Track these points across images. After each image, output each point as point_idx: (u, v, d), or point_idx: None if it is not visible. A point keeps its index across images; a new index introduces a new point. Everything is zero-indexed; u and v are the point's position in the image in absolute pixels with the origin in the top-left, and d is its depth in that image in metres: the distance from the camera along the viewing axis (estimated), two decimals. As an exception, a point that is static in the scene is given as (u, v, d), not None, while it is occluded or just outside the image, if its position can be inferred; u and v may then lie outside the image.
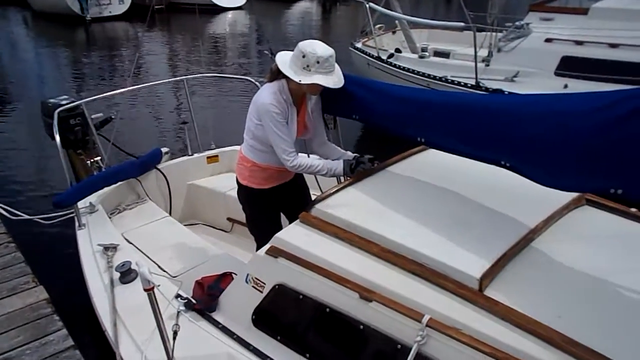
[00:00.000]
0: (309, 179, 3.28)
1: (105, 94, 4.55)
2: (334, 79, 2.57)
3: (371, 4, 8.00)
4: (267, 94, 2.65)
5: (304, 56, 2.52)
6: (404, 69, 7.73)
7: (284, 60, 2.62)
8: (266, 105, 2.62)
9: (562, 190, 2.04)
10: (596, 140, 1.73)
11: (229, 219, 4.38)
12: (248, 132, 2.82)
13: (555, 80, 6.49)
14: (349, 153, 2.89)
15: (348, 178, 2.67)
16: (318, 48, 2.53)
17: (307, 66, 2.53)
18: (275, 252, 2.33)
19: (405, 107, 2.46)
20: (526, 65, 6.77)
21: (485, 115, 2.10)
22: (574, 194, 2.36)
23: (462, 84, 6.78)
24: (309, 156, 2.88)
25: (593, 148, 1.74)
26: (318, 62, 2.51)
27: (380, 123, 2.66)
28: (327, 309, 2.13)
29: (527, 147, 1.95)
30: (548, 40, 6.81)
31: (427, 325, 1.83)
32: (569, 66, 6.52)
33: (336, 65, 2.63)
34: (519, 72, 6.75)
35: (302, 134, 2.85)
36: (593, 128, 1.73)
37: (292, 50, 2.61)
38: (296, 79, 2.54)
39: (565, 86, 6.31)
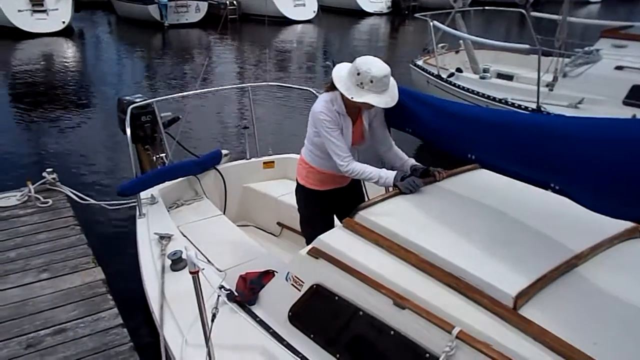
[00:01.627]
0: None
1: (174, 95, 4.84)
2: (386, 99, 2.61)
3: (435, 22, 7.99)
4: (319, 103, 2.77)
5: (358, 74, 2.58)
6: (463, 88, 7.63)
7: (340, 74, 2.69)
8: (316, 113, 2.75)
9: (613, 217, 2.01)
10: None
11: (278, 224, 4.51)
12: (308, 138, 2.97)
13: (622, 109, 6.21)
14: (412, 161, 2.92)
15: (395, 188, 2.73)
16: (373, 67, 2.57)
17: (361, 83, 2.59)
18: (316, 253, 2.41)
19: (458, 124, 2.49)
20: (592, 92, 6.51)
21: (538, 135, 2.09)
22: (628, 225, 2.29)
23: (523, 107, 6.61)
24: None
25: None
26: (372, 82, 2.57)
27: (432, 138, 2.70)
28: (361, 312, 2.18)
29: (579, 170, 1.94)
30: (618, 67, 6.54)
31: (457, 337, 1.84)
32: (638, 96, 6.22)
33: (392, 81, 2.67)
34: (584, 99, 6.50)
35: (359, 143, 2.94)
36: None
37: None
38: (348, 96, 2.62)
39: (634, 116, 6.02)
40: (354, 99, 2.61)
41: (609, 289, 1.97)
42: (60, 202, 4.72)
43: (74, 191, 4.86)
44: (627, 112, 6.10)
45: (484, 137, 2.37)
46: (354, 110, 2.80)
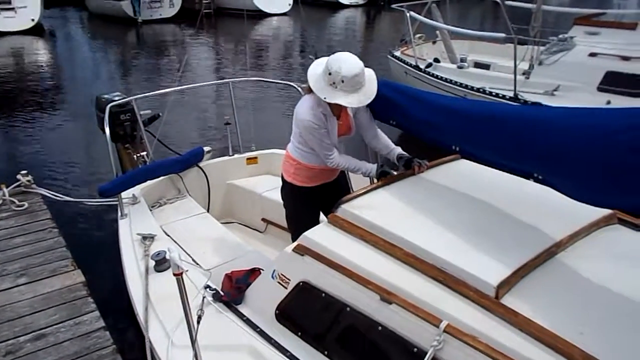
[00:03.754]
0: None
1: (154, 92, 4.77)
2: (360, 97, 2.59)
3: (412, 13, 8.01)
4: (304, 110, 2.73)
5: (330, 74, 2.56)
6: (441, 78, 7.69)
7: (315, 73, 2.66)
8: (304, 122, 2.73)
9: (594, 205, 2.03)
10: (631, 157, 1.71)
11: (263, 220, 4.48)
12: (294, 135, 2.94)
13: (597, 96, 6.32)
14: (398, 149, 2.93)
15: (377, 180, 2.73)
16: (343, 66, 2.53)
17: (333, 83, 2.56)
18: (301, 250, 2.40)
19: (442, 116, 2.49)
20: (568, 79, 6.61)
21: (520, 126, 2.11)
22: (606, 212, 2.32)
23: (500, 95, 6.69)
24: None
25: (628, 164, 1.72)
26: (343, 81, 2.54)
27: (416, 130, 2.70)
28: (348, 309, 2.18)
29: (560, 159, 1.95)
30: (592, 54, 6.64)
31: (444, 331, 1.85)
32: (612, 82, 6.32)
33: (369, 76, 2.65)
34: (559, 86, 6.60)
35: (347, 135, 2.93)
36: (629, 144, 1.72)
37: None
38: (321, 97, 2.60)
39: (608, 102, 6.14)
40: (327, 100, 2.59)
41: (589, 277, 2.00)
42: (37, 204, 4.61)
43: (52, 192, 4.75)
44: (601, 99, 6.22)
45: (467, 128, 2.37)
46: (337, 105, 2.78)
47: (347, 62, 2.56)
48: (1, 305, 3.30)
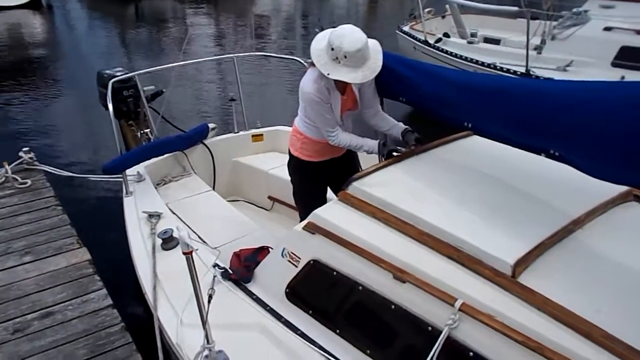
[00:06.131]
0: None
1: (157, 67, 4.65)
2: (364, 73, 2.50)
3: (422, -15, 7.83)
4: (308, 82, 2.66)
5: (332, 49, 2.48)
6: (451, 54, 7.54)
7: (318, 47, 2.57)
8: (307, 94, 2.66)
9: (612, 182, 1.98)
10: None
11: (270, 198, 4.44)
12: (301, 108, 2.87)
13: (611, 71, 6.19)
14: (401, 125, 2.84)
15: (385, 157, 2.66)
16: (345, 42, 2.44)
17: (336, 58, 2.48)
18: (312, 228, 2.35)
19: (455, 91, 2.40)
20: (581, 54, 6.47)
21: (537, 100, 2.04)
22: (622, 189, 2.26)
23: (512, 71, 6.56)
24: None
25: None
26: (345, 57, 2.46)
27: (427, 106, 2.61)
28: (360, 287, 2.14)
29: (578, 134, 1.89)
30: (607, 28, 6.49)
31: (459, 310, 1.81)
32: (627, 57, 6.19)
33: (374, 50, 2.55)
34: (572, 62, 6.47)
35: (353, 109, 2.85)
36: None
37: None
38: (325, 72, 2.52)
39: (622, 78, 6.00)
40: (330, 76, 2.51)
41: (606, 254, 1.96)
42: (40, 182, 4.56)
43: (55, 169, 4.70)
44: (616, 74, 6.09)
45: (482, 104, 2.29)
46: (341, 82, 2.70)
47: (349, 36, 2.46)
48: (7, 283, 3.27)
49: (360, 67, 2.49)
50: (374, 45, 2.58)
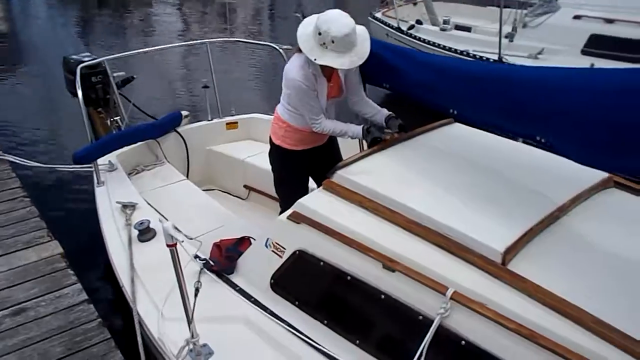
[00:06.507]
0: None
1: (127, 53, 4.51)
2: (352, 58, 2.46)
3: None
4: (294, 68, 2.61)
5: (319, 34, 2.43)
6: (424, 40, 7.56)
7: (305, 32, 2.52)
8: (294, 81, 2.60)
9: (596, 167, 2.01)
10: (633, 117, 1.67)
11: (245, 187, 4.37)
12: (284, 96, 2.81)
13: (581, 58, 6.30)
14: (385, 111, 2.81)
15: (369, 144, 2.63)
16: (333, 26, 2.40)
17: (324, 43, 2.44)
18: (297, 218, 2.30)
19: (440, 77, 2.38)
20: (552, 42, 6.57)
21: (524, 86, 2.04)
22: (603, 176, 2.31)
23: (485, 58, 6.60)
24: None
25: (630, 124, 1.69)
26: (333, 42, 2.41)
27: (412, 92, 2.59)
28: (349, 277, 2.11)
29: (563, 120, 1.91)
30: (577, 17, 6.60)
31: (451, 298, 1.81)
32: (596, 45, 6.31)
33: (362, 35, 2.51)
34: (543, 49, 6.56)
35: (337, 96, 2.81)
36: (627, 106, 1.69)
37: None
38: (311, 58, 2.47)
39: (592, 65, 6.11)
40: (317, 61, 2.46)
41: (593, 240, 1.98)
42: (5, 172, 4.37)
43: (21, 159, 4.50)
44: (585, 62, 6.18)
45: (469, 90, 2.28)
46: (329, 67, 2.64)
47: (337, 21, 2.42)
48: (-26, 279, 3.13)
49: (347, 53, 2.45)
50: (362, 31, 2.54)
